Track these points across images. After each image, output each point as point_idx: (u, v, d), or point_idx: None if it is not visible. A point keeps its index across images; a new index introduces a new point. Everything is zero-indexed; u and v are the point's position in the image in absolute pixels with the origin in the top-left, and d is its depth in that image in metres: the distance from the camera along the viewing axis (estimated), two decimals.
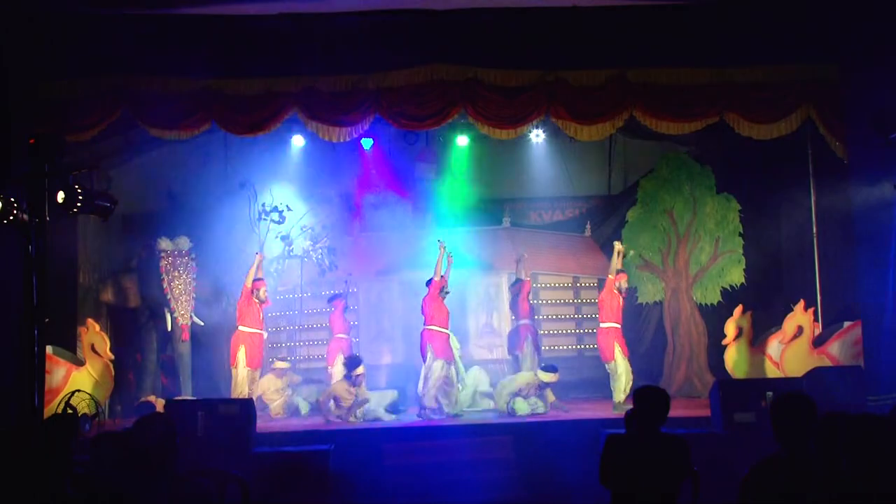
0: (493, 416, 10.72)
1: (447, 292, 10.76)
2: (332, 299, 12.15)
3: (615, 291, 10.95)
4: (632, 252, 12.86)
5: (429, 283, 10.84)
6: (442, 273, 10.75)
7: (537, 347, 11.64)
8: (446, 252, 10.88)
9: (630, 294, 12.89)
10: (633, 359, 11.09)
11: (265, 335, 11.30)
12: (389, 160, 12.98)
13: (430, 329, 10.61)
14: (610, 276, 11.07)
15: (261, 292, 10.96)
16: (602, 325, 11.08)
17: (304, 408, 11.36)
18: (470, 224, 13.23)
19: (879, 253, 9.51)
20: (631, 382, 10.71)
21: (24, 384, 6.26)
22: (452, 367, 10.69)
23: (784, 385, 9.22)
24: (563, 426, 9.82)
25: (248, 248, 12.25)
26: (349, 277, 12.47)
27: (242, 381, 10.76)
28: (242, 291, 11.01)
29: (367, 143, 12.49)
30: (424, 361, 10.59)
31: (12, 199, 6.26)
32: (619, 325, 10.99)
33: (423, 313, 10.73)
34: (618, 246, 11.30)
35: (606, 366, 10.96)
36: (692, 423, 9.24)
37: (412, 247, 12.94)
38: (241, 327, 10.90)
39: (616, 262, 11.09)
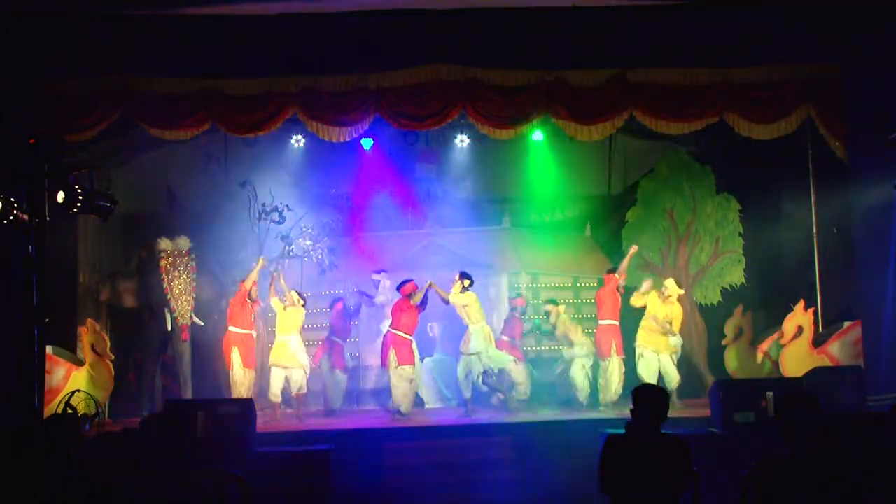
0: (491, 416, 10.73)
1: (421, 304, 10.74)
2: (333, 302, 12.13)
3: (617, 290, 10.99)
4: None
5: (399, 286, 10.83)
6: (418, 301, 10.72)
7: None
8: (429, 289, 10.80)
9: (630, 294, 12.91)
10: (632, 359, 11.10)
11: (255, 334, 11.31)
12: (389, 160, 12.97)
13: (394, 333, 10.61)
14: (617, 275, 11.10)
15: (253, 291, 10.97)
16: (601, 322, 11.10)
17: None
18: (470, 224, 13.22)
19: (879, 253, 9.51)
20: (622, 382, 10.74)
21: (24, 384, 6.27)
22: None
23: (784, 385, 9.22)
24: (564, 426, 9.83)
25: (249, 248, 12.25)
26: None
27: (240, 381, 10.75)
28: (238, 292, 11.00)
29: (367, 143, 12.49)
30: (384, 365, 10.59)
31: (12, 199, 6.27)
32: (617, 323, 11.02)
33: (391, 314, 10.76)
34: (634, 249, 11.35)
35: (601, 363, 10.98)
36: (692, 423, 9.24)
37: (412, 247, 12.94)
38: (231, 328, 10.90)
39: (626, 263, 11.15)
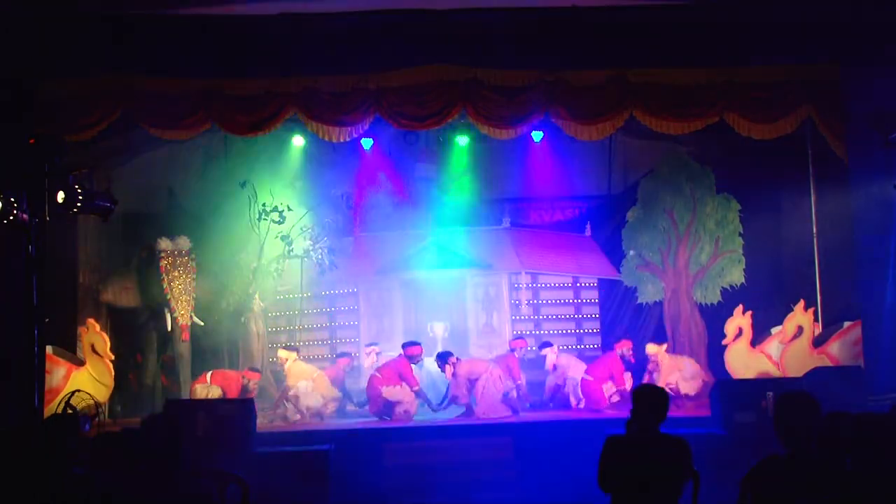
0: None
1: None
2: (339, 356, 12.11)
3: (622, 357, 11.03)
4: (632, 252, 12.90)
5: (406, 346, 10.90)
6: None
7: None
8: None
9: (630, 294, 12.91)
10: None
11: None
12: (389, 160, 12.97)
13: (379, 377, 10.64)
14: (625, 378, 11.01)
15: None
16: (586, 375, 11.04)
17: None
18: (470, 224, 13.22)
19: (879, 253, 9.51)
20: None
21: (24, 384, 6.27)
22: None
23: (784, 385, 9.21)
24: (564, 426, 9.84)
25: (249, 248, 12.27)
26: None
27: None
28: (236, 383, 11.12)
29: (367, 143, 12.48)
30: (374, 410, 10.58)
31: (12, 199, 6.26)
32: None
33: (386, 365, 10.76)
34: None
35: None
36: (692, 423, 9.24)
37: (412, 247, 12.95)
38: (208, 377, 11.13)
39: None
